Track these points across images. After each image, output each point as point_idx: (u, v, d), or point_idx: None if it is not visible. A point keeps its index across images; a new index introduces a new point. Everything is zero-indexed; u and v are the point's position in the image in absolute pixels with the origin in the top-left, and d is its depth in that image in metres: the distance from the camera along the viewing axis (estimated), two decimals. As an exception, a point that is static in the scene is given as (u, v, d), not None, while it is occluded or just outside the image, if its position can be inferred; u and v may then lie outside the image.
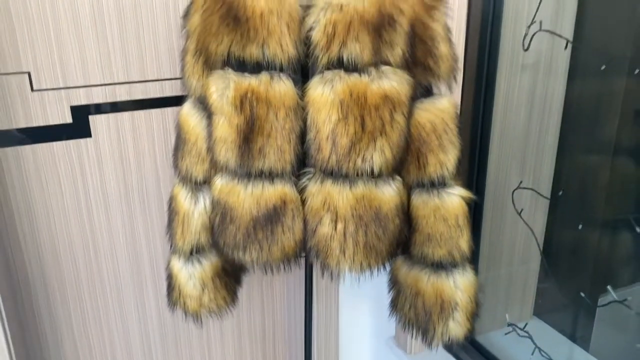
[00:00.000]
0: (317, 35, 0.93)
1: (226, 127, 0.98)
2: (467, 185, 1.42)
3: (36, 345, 1.55)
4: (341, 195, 0.98)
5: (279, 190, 1.00)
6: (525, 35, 1.30)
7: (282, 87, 0.96)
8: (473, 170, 1.38)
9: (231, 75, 0.97)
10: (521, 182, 1.48)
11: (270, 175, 1.00)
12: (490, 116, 1.36)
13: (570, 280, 1.61)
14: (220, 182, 1.05)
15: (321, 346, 1.96)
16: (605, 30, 1.37)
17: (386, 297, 1.27)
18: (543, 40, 1.34)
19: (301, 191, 1.02)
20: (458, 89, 1.29)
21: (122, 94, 1.46)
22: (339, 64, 0.94)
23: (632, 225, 1.27)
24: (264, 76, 0.96)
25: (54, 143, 1.43)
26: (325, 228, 1.00)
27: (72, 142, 1.44)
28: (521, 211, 1.50)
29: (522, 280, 1.68)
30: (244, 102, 0.96)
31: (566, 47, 1.33)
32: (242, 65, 0.97)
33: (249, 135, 0.97)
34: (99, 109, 1.45)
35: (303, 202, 1.02)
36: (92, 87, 1.42)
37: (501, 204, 1.51)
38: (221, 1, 0.96)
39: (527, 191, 1.49)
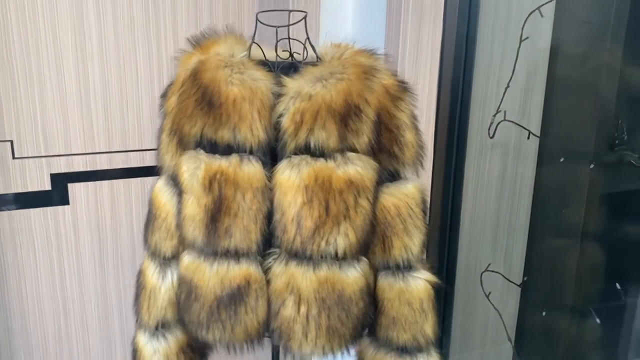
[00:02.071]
0: (286, 122, 0.97)
1: (195, 206, 1.00)
2: (438, 268, 1.43)
3: (-5, 417, 1.50)
4: (304, 278, 0.99)
5: (244, 270, 1.01)
6: (491, 123, 1.35)
7: (251, 169, 0.98)
8: (443, 253, 1.39)
9: (202, 157, 1.00)
10: (490, 264, 1.49)
11: (236, 255, 1.01)
12: (460, 200, 1.39)
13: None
14: (187, 259, 1.05)
15: None
16: (570, 124, 1.43)
17: (356, 378, 1.25)
18: (510, 129, 1.40)
19: (267, 271, 1.03)
20: (429, 174, 1.33)
21: (102, 163, 1.48)
22: (306, 150, 0.97)
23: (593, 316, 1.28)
24: (234, 158, 0.98)
25: (31, 210, 1.44)
26: (288, 310, 1.00)
27: (49, 209, 1.46)
28: (489, 294, 1.50)
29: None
30: (213, 183, 0.98)
31: (529, 137, 1.38)
32: (213, 147, 1.00)
33: (216, 215, 0.98)
34: (78, 177, 1.47)
35: (268, 282, 1.03)
36: (73, 156, 1.45)
37: (472, 286, 1.51)
38: (197, 86, 1.01)
39: (496, 274, 1.50)
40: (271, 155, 1.02)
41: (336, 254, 0.99)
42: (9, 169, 1.39)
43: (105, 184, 1.50)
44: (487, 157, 1.44)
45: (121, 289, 1.58)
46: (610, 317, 1.32)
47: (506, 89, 1.32)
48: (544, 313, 1.42)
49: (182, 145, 1.05)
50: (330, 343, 1.01)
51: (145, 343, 1.17)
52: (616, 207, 1.40)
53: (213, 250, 1.01)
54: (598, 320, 1.28)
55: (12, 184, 1.40)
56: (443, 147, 1.32)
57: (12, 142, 1.38)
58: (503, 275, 1.49)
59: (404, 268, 1.07)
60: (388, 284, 1.08)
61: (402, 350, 1.09)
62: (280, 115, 0.99)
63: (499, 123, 1.34)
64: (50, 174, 1.44)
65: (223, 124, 0.98)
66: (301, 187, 0.96)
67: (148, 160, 1.53)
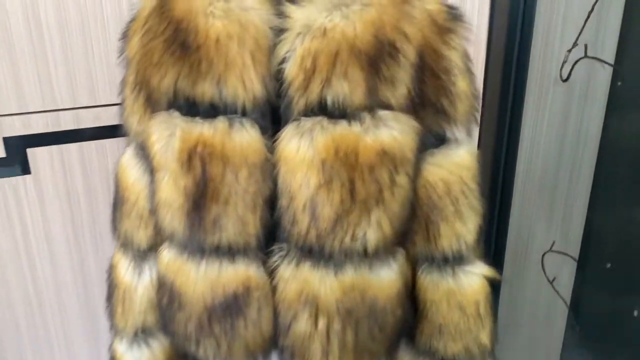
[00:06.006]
0: (291, 71, 0.69)
1: (172, 188, 0.74)
2: (485, 251, 1.16)
3: (-33, 418, 1.31)
4: (323, 284, 0.73)
5: (241, 272, 0.76)
6: (564, 62, 1.03)
7: (245, 137, 0.71)
8: (491, 232, 1.11)
9: (177, 120, 0.73)
10: (554, 242, 1.21)
11: (229, 252, 0.75)
12: (513, 165, 1.09)
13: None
14: (167, 255, 0.81)
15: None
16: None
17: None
18: (581, 68, 1.07)
19: (272, 272, 0.78)
20: (475, 132, 1.04)
21: (67, 122, 1.22)
22: (321, 109, 0.70)
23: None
24: (221, 123, 0.71)
25: (-16, 182, 1.18)
26: (302, 325, 0.75)
27: (5, 181, 1.20)
28: (553, 280, 1.24)
29: (545, 353, 1.42)
30: (193, 158, 0.71)
31: (620, 82, 1.05)
32: (192, 107, 0.72)
33: (200, 201, 0.72)
34: (39, 140, 1.21)
35: (274, 287, 0.77)
36: (30, 115, 1.18)
37: (524, 270, 1.24)
38: (166, 21, 0.72)
39: (556, 256, 1.21)
40: (272, 117, 0.74)
41: (365, 250, 0.73)
42: (-51, 133, 1.12)
43: (73, 147, 1.24)
44: (547, 105, 1.12)
45: (102, 266, 1.34)
46: None
47: (590, 13, 0.97)
48: (635, 313, 1.16)
49: (152, 104, 0.77)
50: (359, 364, 0.77)
51: (124, 352, 0.94)
52: None
53: (199, 247, 0.76)
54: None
55: (-44, 152, 1.14)
56: (496, 95, 1.02)
57: (-51, 99, 1.10)
58: (572, 257, 1.21)
59: (454, 261, 0.81)
60: (432, 283, 0.82)
61: (450, 363, 0.85)
62: (283, 60, 0.70)
63: (576, 61, 1.02)
64: (3, 138, 1.17)
65: (203, 75, 0.70)
66: (315, 163, 0.69)
67: (124, 116, 1.26)
